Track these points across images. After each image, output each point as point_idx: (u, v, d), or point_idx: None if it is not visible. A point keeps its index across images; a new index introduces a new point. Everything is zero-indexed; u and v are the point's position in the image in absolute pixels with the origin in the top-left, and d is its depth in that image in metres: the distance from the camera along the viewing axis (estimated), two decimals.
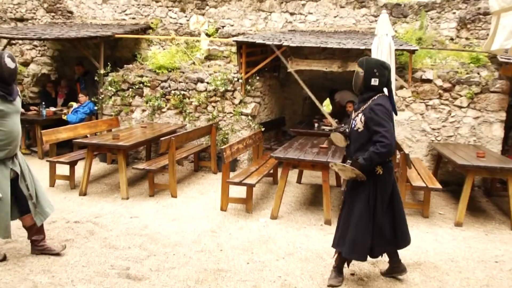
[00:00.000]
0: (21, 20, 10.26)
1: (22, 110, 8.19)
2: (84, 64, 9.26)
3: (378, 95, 3.51)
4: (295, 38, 7.44)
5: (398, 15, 8.82)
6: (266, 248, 4.44)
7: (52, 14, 10.19)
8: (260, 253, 4.31)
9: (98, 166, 7.63)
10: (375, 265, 4.08)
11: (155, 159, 6.80)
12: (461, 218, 5.35)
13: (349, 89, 8.62)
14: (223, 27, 9.47)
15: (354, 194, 3.59)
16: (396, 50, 6.27)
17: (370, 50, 6.14)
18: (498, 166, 5.25)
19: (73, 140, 6.40)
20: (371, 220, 3.50)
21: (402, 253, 3.86)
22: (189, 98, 7.79)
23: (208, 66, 8.23)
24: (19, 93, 3.94)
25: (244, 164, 7.57)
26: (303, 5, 9.14)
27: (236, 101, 7.56)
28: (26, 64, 10.00)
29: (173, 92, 7.83)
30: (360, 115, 3.52)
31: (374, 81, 3.49)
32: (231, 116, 7.62)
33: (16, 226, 4.14)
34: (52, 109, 8.74)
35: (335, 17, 9.02)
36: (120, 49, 9.75)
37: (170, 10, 9.77)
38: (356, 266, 3.99)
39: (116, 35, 8.44)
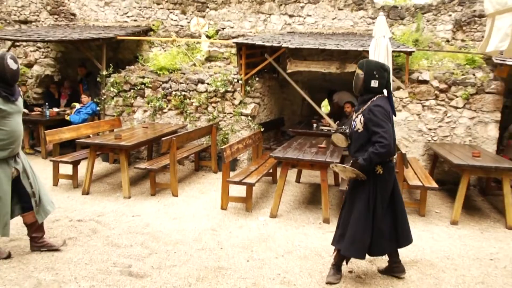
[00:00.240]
0: (25, 22, 10.26)
1: (25, 110, 8.30)
2: (87, 65, 9.27)
3: (377, 97, 3.52)
4: (294, 39, 7.44)
5: (395, 17, 8.83)
6: (266, 246, 4.44)
7: (55, 16, 10.19)
8: (260, 251, 4.31)
9: (100, 166, 7.63)
10: (373, 262, 4.08)
11: (156, 158, 6.80)
12: (456, 217, 5.36)
13: (347, 90, 8.66)
14: (223, 29, 9.48)
15: (354, 193, 3.60)
16: (393, 51, 6.28)
17: (367, 51, 6.14)
18: (493, 166, 5.25)
19: (76, 140, 6.39)
20: (371, 219, 3.51)
21: (399, 251, 3.86)
22: (189, 98, 7.79)
23: (209, 68, 8.23)
24: (21, 93, 3.96)
25: (244, 164, 7.57)
26: (302, 7, 9.14)
27: (236, 102, 7.56)
28: (30, 65, 10.00)
29: (174, 93, 7.84)
30: (359, 116, 3.54)
31: (374, 83, 3.50)
32: (231, 117, 7.62)
33: (21, 224, 4.15)
34: (55, 109, 8.73)
35: (333, 19, 9.03)
36: (122, 50, 9.75)
37: (171, 13, 9.77)
38: (354, 264, 3.99)
39: (118, 37, 8.44)
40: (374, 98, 3.51)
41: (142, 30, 9.38)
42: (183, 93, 7.79)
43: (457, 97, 6.90)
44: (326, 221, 5.17)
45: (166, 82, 7.91)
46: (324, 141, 6.24)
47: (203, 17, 9.52)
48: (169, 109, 7.93)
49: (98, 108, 8.36)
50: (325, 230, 4.92)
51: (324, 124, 8.02)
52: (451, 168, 6.66)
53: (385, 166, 3.49)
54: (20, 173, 3.84)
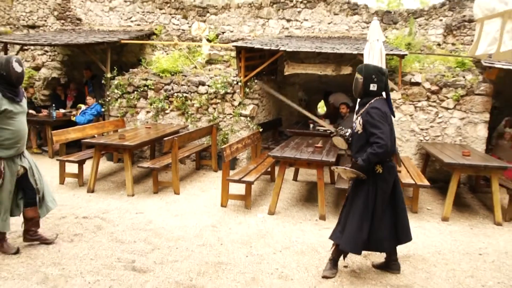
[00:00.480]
0: (33, 27, 10.26)
1: (33, 112, 8.30)
2: (92, 68, 9.26)
3: (375, 99, 3.53)
4: (292, 43, 7.44)
5: (388, 22, 8.84)
6: (264, 242, 4.45)
7: (62, 21, 10.19)
8: (258, 246, 4.32)
9: (105, 165, 7.63)
10: (367, 258, 4.09)
11: (159, 158, 6.80)
12: (447, 213, 5.37)
13: (342, 91, 8.67)
14: (223, 33, 9.48)
15: (355, 191, 3.62)
16: (386, 54, 6.29)
17: (362, 55, 6.15)
18: (482, 164, 5.26)
19: (82, 140, 6.39)
20: (370, 217, 3.52)
21: None
22: (191, 100, 7.79)
23: (209, 70, 8.23)
24: (25, 94, 4.01)
25: (243, 163, 7.58)
26: (299, 12, 9.15)
27: (236, 103, 7.56)
28: (37, 68, 10.00)
29: (176, 94, 7.83)
30: (359, 118, 3.56)
31: (373, 87, 3.52)
32: (230, 117, 7.63)
33: None
34: (62, 111, 8.74)
35: (329, 23, 9.04)
36: (125, 54, 9.75)
37: (173, 17, 9.78)
38: (349, 259, 3.99)
39: (122, 41, 8.44)
40: (372, 101, 3.52)
41: (145, 34, 9.38)
42: (184, 94, 7.79)
43: (448, 98, 6.91)
44: (322, 217, 5.18)
45: (168, 84, 7.91)
46: (320, 141, 6.24)
47: (204, 21, 9.52)
48: (171, 110, 7.93)
49: (103, 109, 8.36)
50: (322, 227, 4.92)
51: (320, 125, 8.02)
52: (442, 166, 6.67)
53: (385, 166, 3.49)
54: (27, 170, 3.88)
